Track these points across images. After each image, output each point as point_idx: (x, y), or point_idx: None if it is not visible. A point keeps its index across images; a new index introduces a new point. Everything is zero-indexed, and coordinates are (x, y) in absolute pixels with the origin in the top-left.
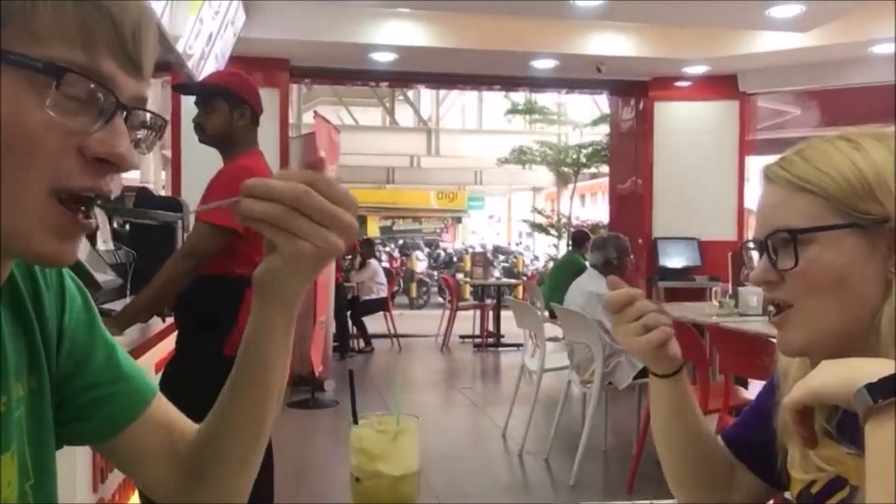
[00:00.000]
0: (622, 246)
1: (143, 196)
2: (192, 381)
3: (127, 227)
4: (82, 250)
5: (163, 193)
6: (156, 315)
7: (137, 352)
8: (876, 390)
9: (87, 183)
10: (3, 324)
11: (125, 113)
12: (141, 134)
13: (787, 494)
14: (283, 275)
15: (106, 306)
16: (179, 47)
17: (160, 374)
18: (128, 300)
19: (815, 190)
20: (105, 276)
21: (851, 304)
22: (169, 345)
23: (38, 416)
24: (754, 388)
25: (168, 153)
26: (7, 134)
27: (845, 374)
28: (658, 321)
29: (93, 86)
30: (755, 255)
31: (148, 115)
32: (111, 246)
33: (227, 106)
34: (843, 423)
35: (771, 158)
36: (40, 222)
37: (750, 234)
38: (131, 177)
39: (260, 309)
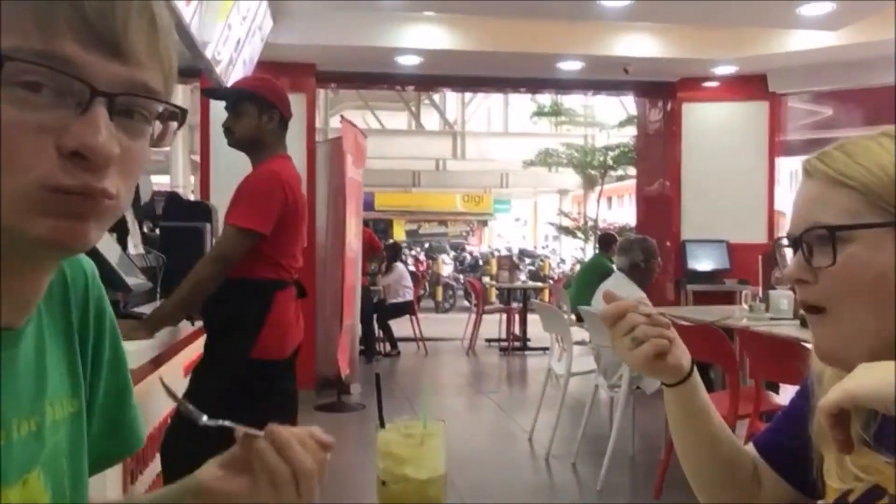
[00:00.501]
0: (649, 248)
1: (173, 201)
2: (220, 385)
3: (157, 231)
4: (113, 254)
5: (192, 198)
6: (185, 318)
7: (166, 355)
8: None
9: (74, 181)
10: (49, 345)
11: (110, 102)
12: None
13: (820, 503)
14: (241, 500)
15: (136, 310)
16: (208, 53)
17: (189, 377)
18: (157, 303)
19: (854, 185)
20: (135, 280)
21: (890, 305)
22: (197, 348)
23: (77, 440)
24: (785, 393)
25: (197, 158)
26: None
27: (884, 378)
28: (648, 334)
29: (54, 73)
30: (789, 252)
31: (161, 107)
32: (141, 250)
33: (256, 110)
34: (881, 431)
35: (801, 159)
36: (33, 209)
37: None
38: (161, 181)
39: (195, 499)
